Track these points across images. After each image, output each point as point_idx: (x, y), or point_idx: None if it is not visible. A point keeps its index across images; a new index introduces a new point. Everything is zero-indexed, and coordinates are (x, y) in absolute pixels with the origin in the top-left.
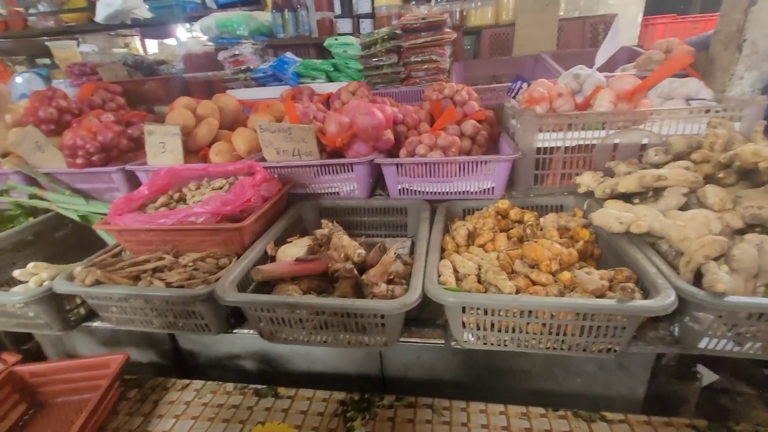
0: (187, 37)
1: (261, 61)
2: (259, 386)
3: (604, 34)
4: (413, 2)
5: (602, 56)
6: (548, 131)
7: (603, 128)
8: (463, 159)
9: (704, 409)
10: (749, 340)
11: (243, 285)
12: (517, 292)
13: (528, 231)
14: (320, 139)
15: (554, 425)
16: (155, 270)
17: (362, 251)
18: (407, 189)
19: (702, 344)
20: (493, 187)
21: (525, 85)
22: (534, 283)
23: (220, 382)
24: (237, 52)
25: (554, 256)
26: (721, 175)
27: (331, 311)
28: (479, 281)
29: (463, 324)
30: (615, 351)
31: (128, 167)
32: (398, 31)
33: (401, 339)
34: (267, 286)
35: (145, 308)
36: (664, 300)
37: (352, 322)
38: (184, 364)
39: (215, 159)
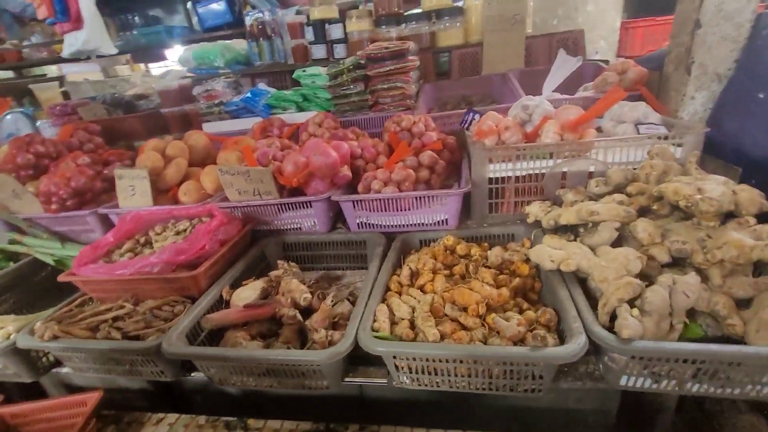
0: (168, 66)
1: (235, 93)
2: (230, 419)
3: (572, 49)
4: (383, 27)
5: (549, 86)
6: (499, 162)
7: (551, 158)
8: (415, 194)
9: (688, 416)
10: (665, 378)
11: (194, 333)
12: (443, 338)
13: (471, 268)
14: (278, 179)
15: None
16: (116, 318)
17: (308, 296)
18: (365, 223)
19: (622, 382)
20: (446, 219)
21: (477, 116)
22: (463, 327)
23: (193, 416)
24: (209, 87)
25: (482, 299)
26: (655, 207)
27: (267, 363)
28: (412, 326)
29: (396, 368)
30: (539, 391)
31: (100, 210)
32: (363, 61)
33: (346, 379)
34: (221, 330)
35: (102, 358)
36: (574, 347)
37: (293, 369)
38: (170, 391)
39: (184, 198)
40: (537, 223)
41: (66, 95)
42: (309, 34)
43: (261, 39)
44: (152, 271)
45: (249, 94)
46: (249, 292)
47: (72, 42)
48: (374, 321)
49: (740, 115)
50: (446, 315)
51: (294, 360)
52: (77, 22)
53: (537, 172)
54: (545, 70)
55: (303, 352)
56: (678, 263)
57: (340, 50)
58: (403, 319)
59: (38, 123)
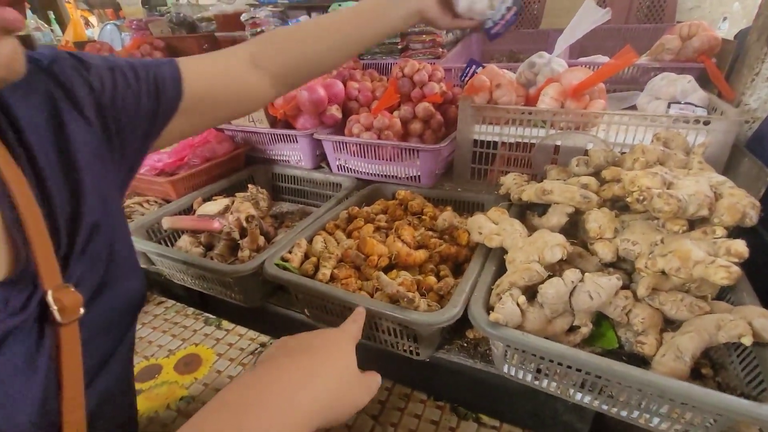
0: None
1: (279, 23)
2: (210, 316)
3: (659, 7)
4: None
5: (563, 42)
6: (486, 124)
7: (544, 127)
8: (388, 143)
9: None
10: (546, 378)
11: (154, 231)
12: (332, 279)
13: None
14: (268, 108)
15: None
16: None
17: (248, 224)
18: (344, 166)
19: (505, 369)
20: (419, 176)
21: (480, 69)
22: (363, 276)
23: (184, 306)
24: (254, 15)
25: (387, 254)
26: (629, 199)
27: (196, 266)
28: (306, 259)
29: (297, 298)
30: (418, 354)
31: None
32: None
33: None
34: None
35: None
36: (435, 316)
37: (216, 278)
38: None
39: None
40: (506, 197)
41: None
42: None
43: None
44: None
45: (286, 25)
46: (213, 206)
47: None
48: (289, 252)
49: None
50: (351, 261)
51: (213, 268)
52: None
53: (528, 141)
54: (615, 29)
55: (220, 264)
56: (618, 265)
57: None
58: (314, 256)
59: (122, 35)
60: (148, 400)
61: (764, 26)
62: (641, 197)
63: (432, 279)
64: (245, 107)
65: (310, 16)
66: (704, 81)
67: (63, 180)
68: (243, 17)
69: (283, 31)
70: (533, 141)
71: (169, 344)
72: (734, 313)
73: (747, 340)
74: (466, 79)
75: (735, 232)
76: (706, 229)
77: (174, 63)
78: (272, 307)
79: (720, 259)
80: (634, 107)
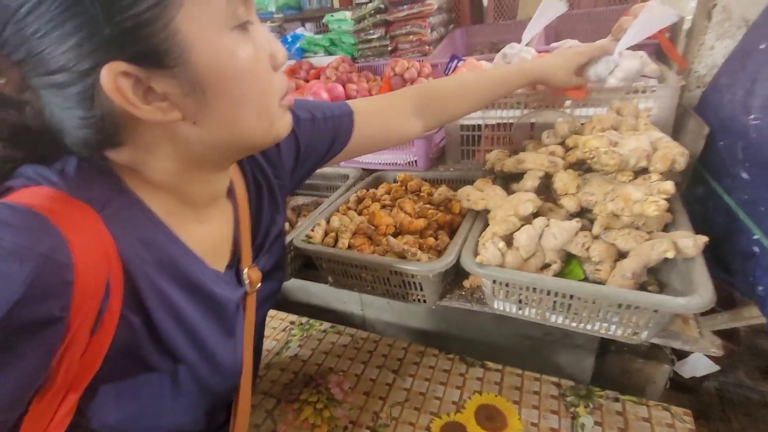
0: None
1: (277, 37)
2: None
3: None
4: None
5: (529, 33)
6: None
7: (520, 107)
8: None
9: (705, 402)
10: (527, 306)
11: None
12: (350, 247)
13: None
14: None
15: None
16: None
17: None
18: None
19: (495, 305)
20: (416, 160)
21: (461, 62)
22: (374, 243)
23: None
24: None
25: (393, 223)
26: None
27: None
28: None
29: (322, 268)
30: (425, 302)
31: None
32: (383, 6)
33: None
34: None
35: None
36: (435, 264)
37: None
38: None
39: None
40: (493, 170)
41: None
42: None
43: None
44: None
45: (283, 39)
46: None
47: None
48: (312, 230)
49: (738, 69)
50: (363, 232)
51: None
52: None
53: (506, 121)
54: (583, 14)
55: None
56: (583, 215)
57: None
58: (332, 232)
59: None
60: None
61: (707, 1)
62: (591, 156)
63: (431, 240)
64: (393, 144)
65: (304, 26)
66: (661, 54)
67: (270, 207)
68: None
69: (440, 88)
70: (511, 121)
71: None
72: (665, 238)
73: (670, 254)
74: (449, 72)
75: (689, 183)
76: (645, 177)
77: (350, 113)
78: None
79: (652, 197)
80: None
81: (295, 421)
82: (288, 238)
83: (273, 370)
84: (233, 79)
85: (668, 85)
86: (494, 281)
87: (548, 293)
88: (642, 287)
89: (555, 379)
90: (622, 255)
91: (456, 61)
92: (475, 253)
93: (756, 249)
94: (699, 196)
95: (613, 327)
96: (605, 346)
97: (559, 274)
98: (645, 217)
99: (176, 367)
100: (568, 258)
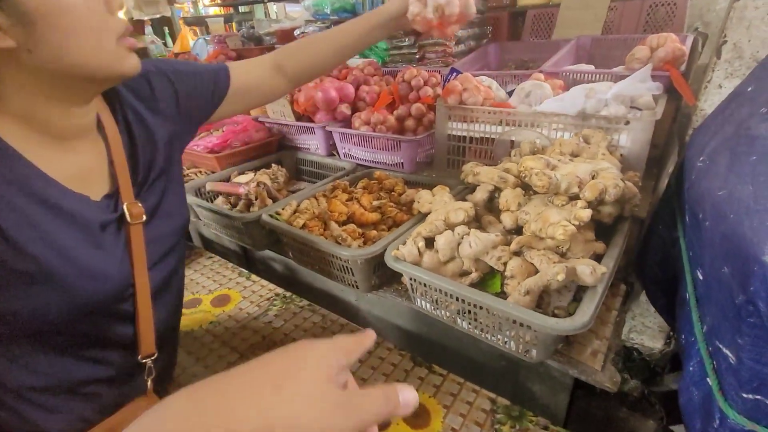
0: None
1: None
2: (243, 270)
3: (667, 18)
4: None
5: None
6: (457, 121)
7: (501, 125)
8: (378, 135)
9: None
10: (440, 308)
11: (200, 191)
12: (304, 227)
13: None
14: (293, 106)
15: None
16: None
17: (258, 189)
18: (348, 153)
19: (416, 302)
20: (403, 163)
21: (458, 76)
22: (326, 227)
23: (228, 261)
24: (303, 31)
25: (346, 213)
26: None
27: (216, 215)
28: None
29: (283, 244)
30: (358, 287)
31: None
32: None
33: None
34: None
35: None
36: (355, 251)
37: (231, 225)
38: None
39: (252, 112)
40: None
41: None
42: None
43: None
44: (196, 150)
45: None
46: (244, 178)
47: None
48: (282, 209)
49: (719, 110)
50: (320, 217)
51: (228, 215)
52: None
53: (490, 136)
54: (620, 39)
55: (232, 212)
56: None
57: None
58: (296, 213)
59: (208, 46)
60: (189, 320)
61: (717, 37)
62: (524, 175)
63: (374, 232)
64: (268, 98)
65: None
66: (671, 88)
67: (146, 144)
68: (296, 32)
69: (297, 42)
70: (494, 136)
71: (210, 286)
72: (564, 263)
73: (560, 277)
74: (446, 83)
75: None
76: (574, 202)
77: (226, 68)
78: (289, 271)
79: (564, 221)
80: None
81: None
82: (261, 211)
83: (246, 330)
84: (61, 12)
85: (641, 119)
86: (411, 279)
87: (453, 298)
88: (548, 312)
89: (492, 395)
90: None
91: (454, 74)
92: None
93: (686, 294)
94: (672, 237)
95: (508, 341)
96: (590, 387)
97: (478, 284)
98: (567, 241)
99: (44, 270)
100: (493, 271)
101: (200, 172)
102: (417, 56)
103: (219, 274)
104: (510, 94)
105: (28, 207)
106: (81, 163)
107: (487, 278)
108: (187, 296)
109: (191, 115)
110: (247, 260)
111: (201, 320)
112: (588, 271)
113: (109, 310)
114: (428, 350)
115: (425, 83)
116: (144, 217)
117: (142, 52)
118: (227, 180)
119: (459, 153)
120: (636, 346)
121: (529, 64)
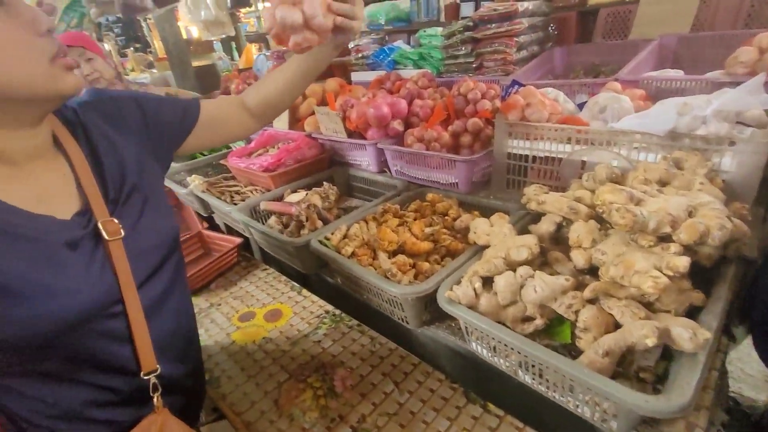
0: None
1: (377, 48)
2: (295, 284)
3: None
4: None
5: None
6: (519, 139)
7: (570, 143)
8: (432, 153)
9: None
10: (498, 355)
11: (255, 210)
12: (353, 255)
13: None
14: (345, 123)
15: None
16: (237, 192)
17: (308, 211)
18: (400, 171)
19: (472, 345)
20: (457, 182)
21: (519, 89)
22: (375, 256)
23: (280, 274)
24: (359, 42)
25: (396, 242)
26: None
27: (269, 237)
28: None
29: (330, 270)
30: (408, 323)
31: None
32: (472, 23)
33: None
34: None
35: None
36: (409, 288)
37: (281, 246)
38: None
39: (306, 128)
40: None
41: None
42: None
43: None
44: (252, 168)
45: (380, 50)
46: (296, 196)
47: None
48: (332, 234)
49: None
50: (369, 245)
51: (278, 239)
52: None
53: (557, 156)
54: (714, 37)
55: (283, 236)
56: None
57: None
58: (347, 238)
59: (268, 62)
60: (243, 334)
61: None
62: (602, 210)
63: (426, 264)
64: (236, 134)
65: (409, 42)
66: None
67: (113, 160)
68: (350, 45)
69: (259, 81)
70: (562, 156)
71: (264, 299)
72: (660, 320)
73: (650, 341)
74: (506, 97)
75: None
76: (665, 245)
77: (198, 101)
78: (339, 288)
79: (654, 271)
80: None
81: (295, 400)
82: (311, 236)
83: (296, 348)
84: None
85: (751, 139)
86: (466, 325)
87: (515, 349)
88: (630, 373)
89: None
90: (618, 326)
91: (516, 86)
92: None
93: None
94: None
95: (582, 405)
96: None
97: (544, 332)
98: (658, 294)
99: (7, 292)
100: (560, 316)
101: (256, 190)
102: (474, 65)
103: (272, 287)
104: (581, 106)
105: None
106: (41, 184)
107: (554, 325)
108: (242, 309)
109: (162, 136)
110: (302, 274)
111: (254, 335)
112: (687, 335)
113: (98, 329)
114: (484, 385)
115: (483, 96)
116: (122, 233)
117: (211, 69)
118: (281, 198)
119: (520, 173)
120: (733, 395)
121: (601, 69)
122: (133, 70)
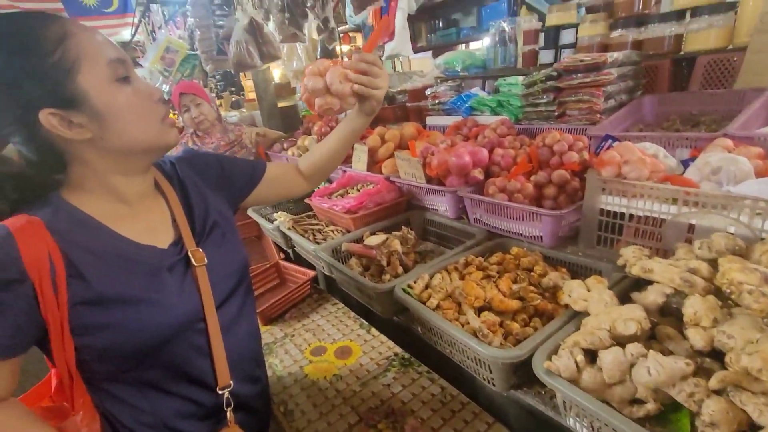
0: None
1: (454, 94)
2: (363, 321)
3: None
4: (619, 30)
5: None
6: (615, 195)
7: (675, 204)
8: (515, 205)
9: None
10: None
11: (337, 251)
12: (438, 307)
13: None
14: (425, 169)
15: None
16: (319, 230)
17: (391, 256)
18: (479, 219)
19: (567, 420)
20: (542, 236)
21: (614, 143)
22: (459, 310)
23: (350, 310)
24: (436, 89)
25: (482, 298)
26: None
27: (349, 279)
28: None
29: (413, 319)
30: (494, 385)
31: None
32: (555, 73)
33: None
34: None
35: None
36: (499, 351)
37: (363, 290)
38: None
39: (384, 171)
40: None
41: None
42: (540, 39)
43: (498, 45)
44: (335, 209)
45: (458, 97)
46: (376, 239)
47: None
48: (414, 282)
49: None
50: (454, 298)
51: (361, 282)
52: (392, 36)
53: (659, 216)
54: None
55: (367, 281)
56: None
57: (567, 55)
58: (431, 288)
59: None
60: (315, 369)
61: None
62: (729, 291)
63: (516, 325)
64: (291, 192)
65: (484, 87)
66: None
67: (200, 202)
68: (427, 91)
69: (308, 151)
70: (665, 216)
71: (334, 335)
72: None
73: None
74: (600, 152)
75: None
76: None
77: (264, 164)
78: (408, 329)
79: None
80: None
81: None
82: (394, 283)
83: (365, 390)
84: (122, 108)
85: None
86: (563, 400)
87: None
88: None
89: None
90: (754, 427)
91: (610, 141)
92: (551, 357)
93: None
94: None
95: None
96: None
97: (657, 418)
98: None
99: (125, 304)
100: (678, 403)
101: (336, 230)
102: (556, 113)
103: (342, 323)
104: (684, 164)
105: (109, 263)
106: (146, 219)
107: (668, 411)
108: (314, 342)
109: (235, 187)
110: (366, 307)
111: (326, 371)
112: None
113: (187, 341)
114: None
115: (570, 147)
116: (206, 261)
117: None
118: (360, 239)
119: (613, 230)
120: None
121: (700, 119)
122: (224, 109)
